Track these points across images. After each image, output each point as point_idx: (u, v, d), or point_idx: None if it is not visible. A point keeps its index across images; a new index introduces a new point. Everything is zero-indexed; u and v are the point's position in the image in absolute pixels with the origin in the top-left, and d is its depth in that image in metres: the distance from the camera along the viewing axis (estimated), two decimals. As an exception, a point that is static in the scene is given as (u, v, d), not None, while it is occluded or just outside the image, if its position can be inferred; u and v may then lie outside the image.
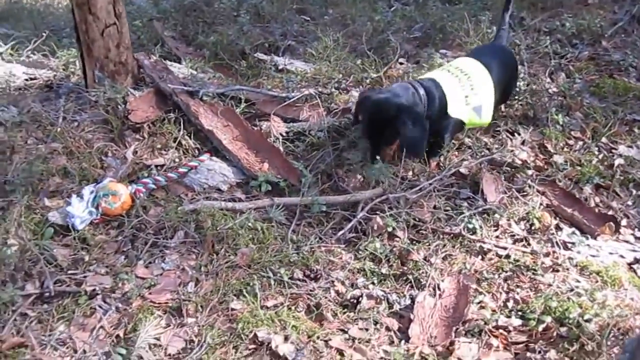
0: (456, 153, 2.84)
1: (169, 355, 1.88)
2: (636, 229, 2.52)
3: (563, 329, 1.95)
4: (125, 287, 2.12)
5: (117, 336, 1.95)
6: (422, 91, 2.59)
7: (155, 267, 2.23)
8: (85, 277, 2.16)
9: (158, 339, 1.92)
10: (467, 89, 2.68)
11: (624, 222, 2.54)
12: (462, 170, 2.69)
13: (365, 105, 2.61)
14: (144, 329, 1.92)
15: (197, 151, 2.81)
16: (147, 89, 2.97)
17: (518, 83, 3.23)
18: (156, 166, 2.70)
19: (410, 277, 2.22)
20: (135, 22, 4.14)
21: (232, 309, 2.04)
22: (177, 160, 2.74)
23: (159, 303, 2.08)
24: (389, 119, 2.47)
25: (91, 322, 1.99)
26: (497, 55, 2.94)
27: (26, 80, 3.39)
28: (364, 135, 2.68)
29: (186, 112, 2.85)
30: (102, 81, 2.91)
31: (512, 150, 2.85)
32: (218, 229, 2.33)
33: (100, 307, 2.06)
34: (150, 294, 2.11)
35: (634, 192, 2.71)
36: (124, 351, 1.85)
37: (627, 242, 2.45)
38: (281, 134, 2.87)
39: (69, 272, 2.18)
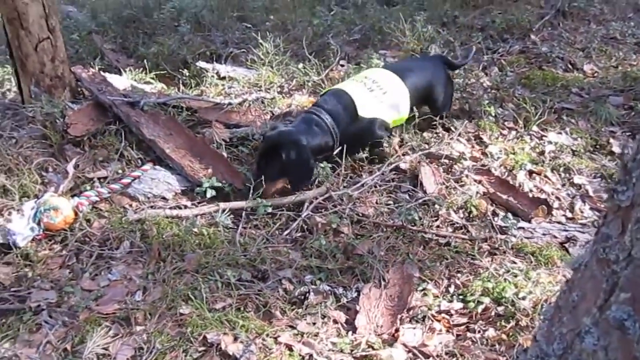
0: (396, 149, 2.93)
1: (118, 364, 1.88)
2: (567, 210, 2.66)
3: (500, 308, 2.05)
4: (71, 301, 2.10)
5: (65, 349, 1.92)
6: (326, 116, 2.69)
7: (101, 279, 2.22)
8: (29, 293, 2.13)
9: (106, 349, 1.92)
10: (376, 91, 2.82)
11: (555, 204, 2.68)
12: (402, 165, 2.78)
13: (260, 144, 2.71)
14: (91, 340, 1.92)
15: (140, 161, 2.79)
16: (86, 102, 2.95)
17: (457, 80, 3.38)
18: (99, 179, 2.67)
19: (356, 270, 2.28)
20: (73, 35, 4.10)
21: (181, 314, 2.05)
22: (120, 171, 2.72)
23: (106, 313, 2.06)
24: (273, 154, 2.59)
25: (37, 338, 1.97)
26: (410, 64, 3.20)
27: (-40, 100, 3.31)
28: (255, 171, 2.70)
29: (127, 123, 2.84)
30: (39, 96, 2.88)
31: (449, 143, 2.96)
32: (164, 236, 2.34)
33: (46, 322, 2.02)
34: (97, 305, 2.09)
35: (564, 175, 2.86)
36: (71, 363, 1.84)
37: (559, 222, 2.58)
38: (224, 140, 2.90)
39: (12, 289, 2.14)
